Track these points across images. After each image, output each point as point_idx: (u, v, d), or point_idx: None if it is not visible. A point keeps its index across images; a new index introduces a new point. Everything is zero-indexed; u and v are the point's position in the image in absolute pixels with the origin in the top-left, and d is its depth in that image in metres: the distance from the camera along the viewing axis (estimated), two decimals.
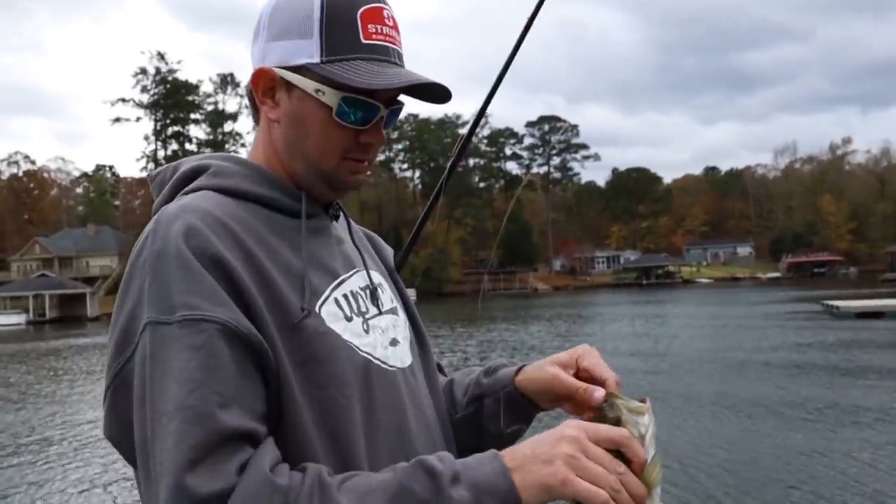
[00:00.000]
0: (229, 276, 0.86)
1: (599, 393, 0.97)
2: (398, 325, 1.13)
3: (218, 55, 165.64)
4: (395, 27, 1.02)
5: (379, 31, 0.98)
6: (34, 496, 7.96)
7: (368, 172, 1.09)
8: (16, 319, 58.00)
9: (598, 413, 0.90)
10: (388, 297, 1.14)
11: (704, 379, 13.97)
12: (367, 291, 1.08)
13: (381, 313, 1.08)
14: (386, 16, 1.00)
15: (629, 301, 47.38)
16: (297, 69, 0.97)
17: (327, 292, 0.99)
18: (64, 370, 20.87)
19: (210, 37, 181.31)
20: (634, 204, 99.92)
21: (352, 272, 1.07)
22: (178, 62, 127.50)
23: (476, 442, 1.17)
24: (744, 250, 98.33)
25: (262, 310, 0.88)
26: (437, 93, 1.01)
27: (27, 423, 12.49)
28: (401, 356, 1.08)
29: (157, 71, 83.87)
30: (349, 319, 0.99)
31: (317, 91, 0.96)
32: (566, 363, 1.05)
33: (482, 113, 2.24)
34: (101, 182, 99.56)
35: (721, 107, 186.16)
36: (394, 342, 1.08)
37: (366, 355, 0.98)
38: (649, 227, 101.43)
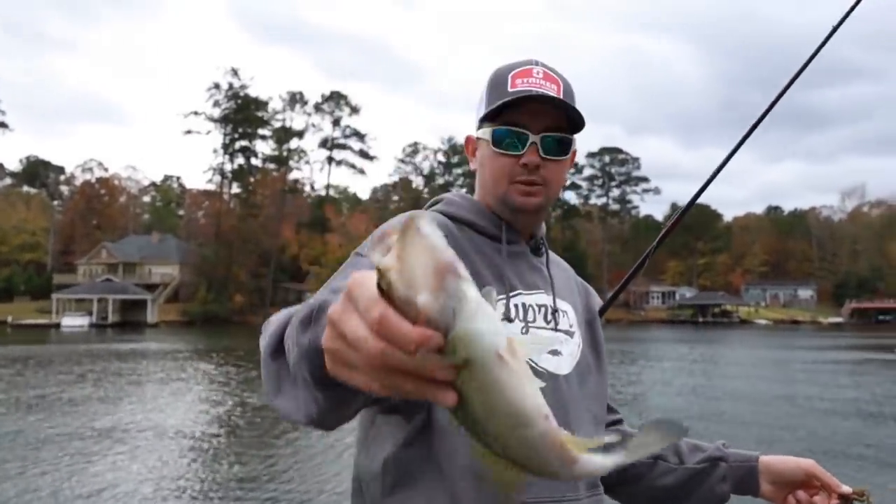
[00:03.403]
0: None
1: (847, 487, 1.30)
2: (567, 344, 1.23)
3: (288, 71, 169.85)
4: (548, 78, 1.22)
5: (525, 81, 1.21)
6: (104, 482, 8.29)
7: (547, 198, 1.25)
8: (80, 321, 59.89)
9: None
10: (568, 322, 1.27)
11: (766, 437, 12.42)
12: (546, 309, 1.22)
13: (555, 331, 1.22)
14: (535, 72, 1.22)
15: (680, 340, 46.18)
16: (478, 128, 1.28)
17: (501, 297, 1.15)
18: (132, 371, 21.58)
19: (281, 52, 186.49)
20: (693, 240, 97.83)
21: (533, 291, 1.22)
22: (251, 78, 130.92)
23: (686, 494, 1.39)
24: (805, 293, 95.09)
25: None
26: (571, 119, 1.21)
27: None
28: (557, 364, 1.17)
29: (230, 86, 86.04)
30: (510, 321, 1.14)
31: (482, 133, 1.25)
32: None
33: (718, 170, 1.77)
34: (168, 192, 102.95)
35: (787, 145, 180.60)
36: (554, 352, 1.19)
37: None
38: (707, 264, 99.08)
